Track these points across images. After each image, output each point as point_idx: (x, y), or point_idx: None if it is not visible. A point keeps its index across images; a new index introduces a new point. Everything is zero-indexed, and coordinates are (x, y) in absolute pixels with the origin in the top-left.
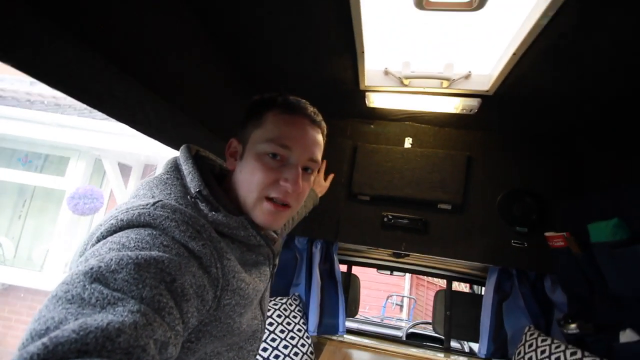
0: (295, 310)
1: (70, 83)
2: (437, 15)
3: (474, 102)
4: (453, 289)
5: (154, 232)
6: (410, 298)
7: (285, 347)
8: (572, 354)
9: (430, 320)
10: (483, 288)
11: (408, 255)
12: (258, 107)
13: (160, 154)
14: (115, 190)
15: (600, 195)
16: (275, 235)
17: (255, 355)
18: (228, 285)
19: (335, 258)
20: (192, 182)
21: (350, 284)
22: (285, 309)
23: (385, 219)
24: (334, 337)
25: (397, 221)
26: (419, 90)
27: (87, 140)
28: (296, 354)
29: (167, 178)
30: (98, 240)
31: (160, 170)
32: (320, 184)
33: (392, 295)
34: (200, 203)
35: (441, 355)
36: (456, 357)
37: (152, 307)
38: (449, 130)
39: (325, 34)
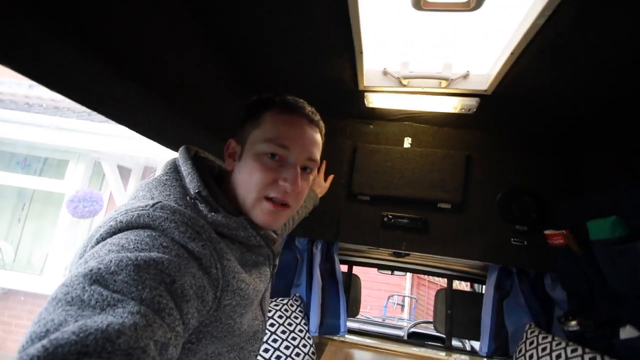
0: (297, 311)
1: (69, 85)
2: (435, 16)
3: (472, 102)
4: (454, 288)
5: (154, 234)
6: (411, 298)
7: (287, 347)
8: (572, 351)
9: (431, 320)
10: (483, 286)
11: (408, 255)
12: (256, 107)
13: (159, 156)
14: (114, 192)
15: (599, 193)
16: (275, 236)
17: (257, 356)
18: (228, 285)
19: (336, 258)
20: (191, 183)
21: (351, 284)
22: (286, 310)
23: (385, 219)
24: (336, 337)
25: (397, 221)
26: (417, 90)
27: (86, 142)
28: (298, 355)
29: (166, 179)
30: (97, 242)
31: (159, 171)
32: (321, 184)
33: (393, 295)
34: (199, 204)
35: (443, 354)
36: (458, 355)
37: (152, 309)
38: (448, 130)
39: (323, 35)
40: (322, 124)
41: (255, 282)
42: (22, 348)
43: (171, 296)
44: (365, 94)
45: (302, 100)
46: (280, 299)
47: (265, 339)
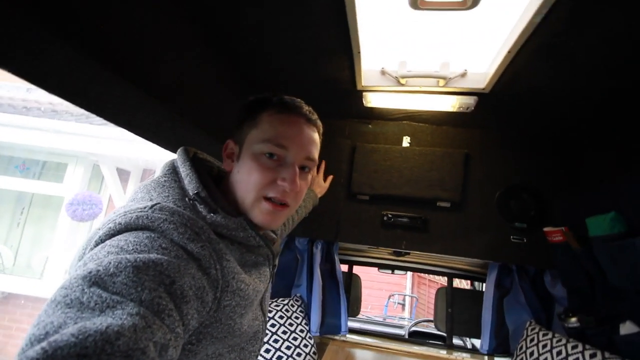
0: (297, 311)
1: (67, 88)
2: (432, 15)
3: (470, 100)
4: (454, 286)
5: (153, 235)
6: (412, 297)
7: (288, 347)
8: (573, 348)
9: (432, 318)
10: (484, 284)
11: (409, 254)
12: (253, 107)
13: (159, 158)
14: (114, 195)
15: (598, 190)
16: (274, 236)
17: (257, 356)
18: (228, 286)
19: (336, 258)
20: (190, 185)
21: (352, 283)
22: (287, 310)
23: (385, 218)
24: (337, 337)
25: (397, 220)
26: (415, 89)
27: (85, 145)
28: (299, 355)
29: (164, 181)
30: (96, 244)
31: (158, 173)
32: (320, 184)
33: (393, 294)
34: (198, 205)
35: (444, 352)
36: (459, 353)
37: (152, 310)
38: (447, 129)
39: (321, 35)
40: (319, 123)
41: (255, 283)
42: (22, 351)
43: (171, 297)
44: (364, 93)
45: (299, 99)
46: (281, 299)
47: (266, 339)
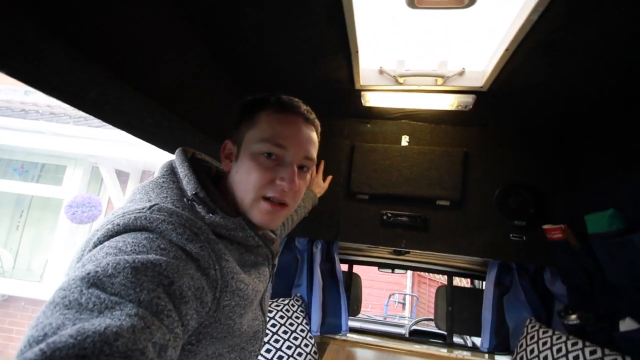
0: (298, 311)
1: (65, 90)
2: (430, 13)
3: (468, 99)
4: (454, 285)
5: (151, 236)
6: (412, 296)
7: (289, 347)
8: (573, 345)
9: (432, 317)
10: (484, 283)
11: (408, 253)
12: (251, 107)
13: (158, 160)
14: (113, 197)
15: (596, 186)
16: (273, 236)
17: (257, 356)
18: (227, 286)
19: (336, 258)
20: (189, 185)
21: (352, 283)
22: (287, 310)
23: (385, 217)
24: (337, 337)
25: (397, 219)
26: (414, 88)
27: (84, 148)
28: (300, 354)
29: (163, 181)
30: (95, 246)
31: (156, 174)
32: (319, 184)
33: (394, 293)
34: (197, 205)
35: (444, 350)
36: (459, 351)
37: (150, 311)
38: (445, 127)
39: (319, 35)
40: (317, 122)
41: (255, 283)
42: (20, 352)
43: (169, 298)
44: (362, 93)
45: (297, 99)
46: (281, 299)
47: (267, 339)
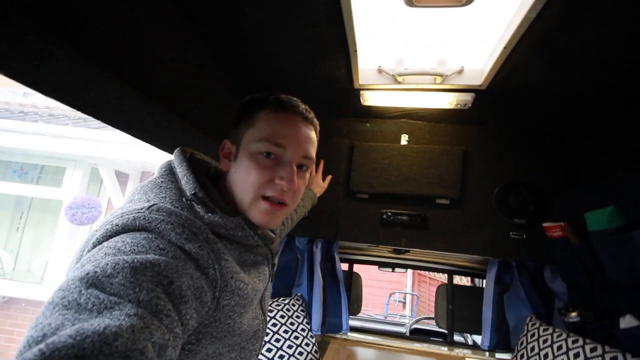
0: (298, 310)
1: (65, 90)
2: (428, 12)
3: (467, 97)
4: (454, 283)
5: (150, 236)
6: (412, 295)
7: (290, 347)
8: (573, 342)
9: (433, 316)
10: (484, 281)
11: (408, 251)
12: (249, 106)
13: (157, 160)
14: (113, 198)
15: (596, 184)
16: (273, 235)
17: (258, 355)
18: (226, 286)
19: (337, 257)
20: (187, 185)
21: (352, 282)
22: (288, 310)
23: (385, 216)
24: (338, 336)
25: (397, 218)
26: (412, 87)
27: (83, 149)
28: (301, 354)
29: (161, 182)
30: (94, 246)
31: (155, 174)
32: (319, 184)
33: (394, 292)
34: (196, 205)
35: (445, 348)
36: (460, 350)
37: (150, 310)
38: (445, 126)
39: (317, 34)
40: (316, 121)
41: (254, 282)
42: (20, 353)
43: (169, 298)
44: (361, 92)
45: (295, 98)
46: (281, 298)
47: (267, 338)
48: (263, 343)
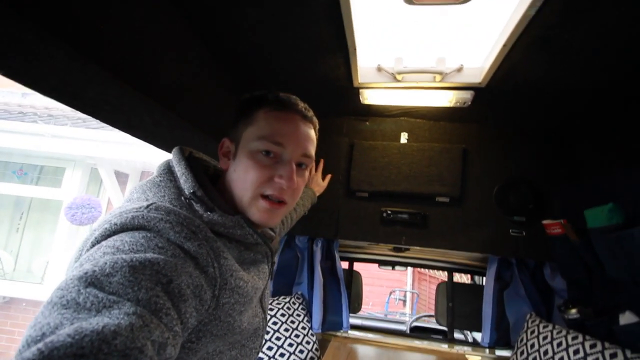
0: (299, 309)
1: (64, 90)
2: (427, 10)
3: (467, 95)
4: (454, 281)
5: (149, 235)
6: (412, 292)
7: (290, 345)
8: (573, 339)
9: (433, 313)
10: (484, 278)
11: (408, 249)
12: (249, 105)
13: (157, 160)
14: (112, 198)
15: (595, 181)
16: (272, 234)
17: (258, 353)
18: (226, 284)
19: (337, 255)
20: (186, 184)
21: (353, 280)
22: (288, 308)
23: (385, 215)
24: (339, 334)
25: (396, 216)
26: (412, 85)
27: (82, 149)
28: (301, 352)
29: (160, 181)
30: (93, 245)
31: (154, 173)
32: (319, 183)
33: (394, 290)
34: (194, 204)
35: (445, 346)
36: (460, 347)
37: (149, 309)
38: (444, 124)
39: (317, 33)
40: (315, 119)
41: (254, 280)
42: (19, 352)
43: (168, 296)
44: (360, 90)
45: (294, 96)
46: (282, 297)
47: (268, 337)
48: (263, 341)
